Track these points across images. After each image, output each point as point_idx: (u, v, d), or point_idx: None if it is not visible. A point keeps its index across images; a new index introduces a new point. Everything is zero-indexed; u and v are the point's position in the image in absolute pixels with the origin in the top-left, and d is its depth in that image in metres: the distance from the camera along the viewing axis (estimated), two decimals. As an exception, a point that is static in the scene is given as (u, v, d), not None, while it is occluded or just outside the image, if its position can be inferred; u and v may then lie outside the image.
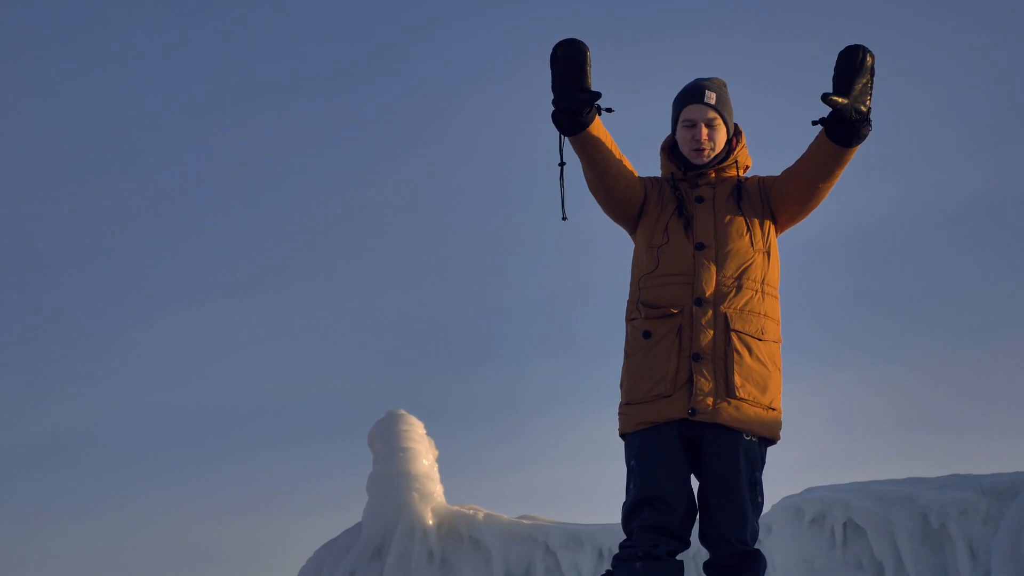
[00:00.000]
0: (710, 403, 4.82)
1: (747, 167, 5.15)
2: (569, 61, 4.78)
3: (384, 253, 33.35)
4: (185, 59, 33.16)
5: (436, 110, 33.15)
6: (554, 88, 4.82)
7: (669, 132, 5.18)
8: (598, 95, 4.81)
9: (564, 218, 5.04)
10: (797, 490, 17.19)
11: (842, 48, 4.77)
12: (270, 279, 33.70)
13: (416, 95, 33.21)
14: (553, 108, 4.86)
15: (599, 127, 4.92)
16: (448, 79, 33.36)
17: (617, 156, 5.00)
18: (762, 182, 5.10)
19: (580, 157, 4.98)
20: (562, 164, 4.99)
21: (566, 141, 4.95)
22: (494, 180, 33.34)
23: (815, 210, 5.12)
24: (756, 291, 4.94)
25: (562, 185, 5.02)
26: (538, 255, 32.61)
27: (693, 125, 5.04)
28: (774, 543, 16.39)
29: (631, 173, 5.05)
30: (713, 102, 5.02)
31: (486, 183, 33.13)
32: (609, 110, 4.91)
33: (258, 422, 32.07)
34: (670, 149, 5.14)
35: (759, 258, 4.98)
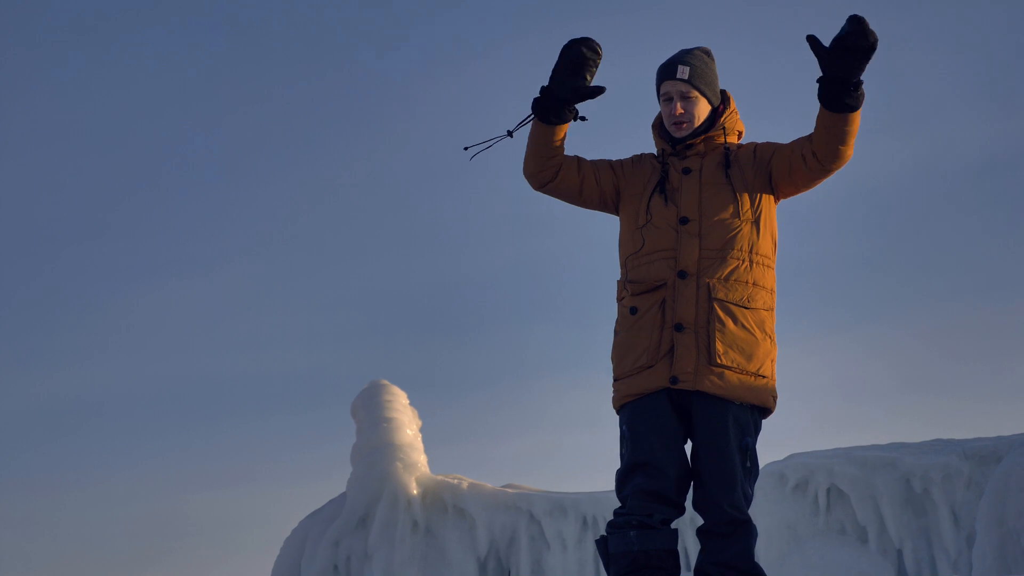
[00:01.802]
0: (691, 370, 4.83)
1: (740, 133, 5.15)
2: (578, 58, 4.90)
3: (365, 224, 33.28)
4: (152, 38, 32.99)
5: (414, 80, 33.04)
6: (555, 74, 4.93)
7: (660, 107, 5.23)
8: (600, 89, 4.95)
9: (509, 134, 5.13)
10: (780, 456, 17.25)
11: (853, 14, 4.67)
12: (252, 252, 33.61)
13: (393, 67, 33.08)
14: (542, 91, 4.96)
15: (563, 133, 5.05)
16: (423, 50, 33.23)
17: (570, 161, 5.13)
18: (758, 150, 5.07)
19: (535, 152, 5.10)
20: (510, 134, 5.11)
21: (530, 125, 5.07)
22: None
23: (818, 184, 5.07)
24: (743, 260, 4.93)
25: (488, 145, 5.16)
26: (521, 223, 32.56)
27: (669, 100, 5.08)
28: (757, 509, 16.41)
29: (590, 172, 5.14)
30: (686, 76, 5.05)
31: (464, 154, 33.01)
32: (583, 118, 5.02)
33: (241, 394, 32.05)
34: (660, 125, 5.18)
35: (746, 227, 4.96)
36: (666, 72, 5.08)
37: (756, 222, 4.99)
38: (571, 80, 4.91)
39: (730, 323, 4.88)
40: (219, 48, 33.35)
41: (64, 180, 33.45)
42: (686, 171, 5.02)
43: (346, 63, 33.42)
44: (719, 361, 4.84)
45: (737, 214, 4.96)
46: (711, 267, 4.90)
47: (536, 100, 4.98)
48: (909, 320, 30.29)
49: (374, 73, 33.27)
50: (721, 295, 4.88)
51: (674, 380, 4.84)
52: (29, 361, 32.78)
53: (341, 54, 33.37)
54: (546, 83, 4.95)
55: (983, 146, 30.78)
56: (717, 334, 4.85)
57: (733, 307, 4.89)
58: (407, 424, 19.41)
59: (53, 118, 33.18)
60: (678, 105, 5.05)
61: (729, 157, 5.04)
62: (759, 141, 5.14)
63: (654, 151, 5.21)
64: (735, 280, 4.91)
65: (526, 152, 5.12)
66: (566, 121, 4.99)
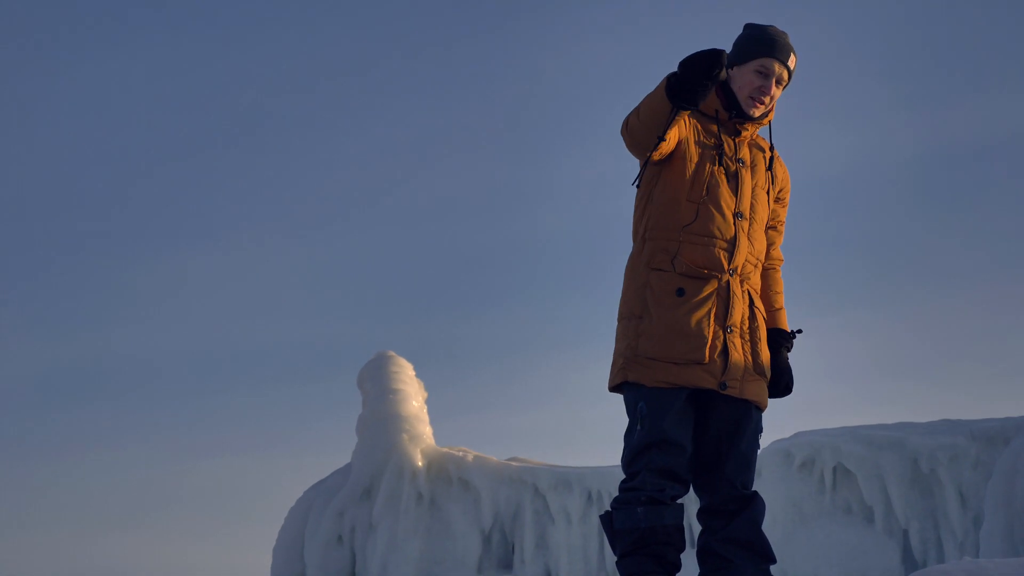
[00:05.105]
0: (739, 377, 4.85)
1: (771, 119, 5.10)
2: (711, 71, 4.46)
3: (373, 194, 33.25)
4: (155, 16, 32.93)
5: (420, 55, 32.96)
6: (695, 74, 4.47)
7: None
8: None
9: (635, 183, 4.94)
10: (787, 434, 17.20)
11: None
12: (260, 223, 33.60)
13: (394, 44, 32.99)
14: (680, 82, 4.50)
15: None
16: (416, 20, 33.14)
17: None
18: (775, 176, 5.09)
19: (654, 127, 4.66)
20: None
21: (654, 99, 4.61)
22: (481, 122, 33.19)
23: None
24: (761, 272, 5.10)
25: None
26: (525, 197, 32.52)
27: (767, 77, 4.92)
28: (763, 487, 16.38)
29: (676, 133, 4.82)
30: (793, 67, 4.97)
31: (473, 125, 32.99)
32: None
33: (248, 364, 32.08)
34: (725, 87, 4.98)
35: (766, 242, 5.09)
36: (778, 50, 4.92)
37: (768, 237, 5.14)
38: (705, 88, 4.48)
39: (763, 332, 4.98)
40: (231, 20, 33.28)
41: (90, 150, 33.47)
42: (742, 162, 4.98)
43: (342, 42, 33.32)
44: (761, 370, 4.93)
45: (767, 226, 5.08)
46: (751, 272, 4.95)
47: (672, 86, 4.52)
48: (918, 300, 30.22)
49: (376, 49, 33.18)
50: (757, 303, 4.98)
51: (723, 386, 4.82)
52: (35, 331, 32.84)
53: (335, 32, 33.27)
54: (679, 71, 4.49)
55: (925, 139, 30.66)
56: (760, 343, 4.93)
57: (760, 316, 4.99)
58: (413, 396, 19.39)
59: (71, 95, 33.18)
60: (774, 88, 4.94)
61: (773, 164, 5.07)
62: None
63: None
64: (757, 291, 5.02)
65: (640, 123, 4.67)
66: (695, 105, 4.55)
